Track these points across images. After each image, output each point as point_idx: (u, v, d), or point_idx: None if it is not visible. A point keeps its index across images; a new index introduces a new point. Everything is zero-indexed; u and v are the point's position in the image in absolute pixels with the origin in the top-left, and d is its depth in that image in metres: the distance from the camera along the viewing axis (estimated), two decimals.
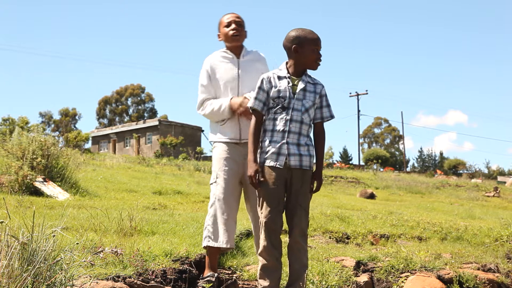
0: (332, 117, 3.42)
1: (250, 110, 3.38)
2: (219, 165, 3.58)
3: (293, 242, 3.29)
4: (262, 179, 3.27)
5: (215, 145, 3.68)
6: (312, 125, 3.41)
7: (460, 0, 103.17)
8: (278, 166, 3.26)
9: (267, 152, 3.30)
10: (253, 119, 3.37)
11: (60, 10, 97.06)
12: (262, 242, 3.28)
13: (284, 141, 3.28)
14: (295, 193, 3.28)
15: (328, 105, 3.43)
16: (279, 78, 3.36)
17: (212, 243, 3.49)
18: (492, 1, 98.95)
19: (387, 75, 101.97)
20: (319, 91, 3.39)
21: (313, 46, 3.31)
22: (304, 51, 3.31)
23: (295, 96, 3.32)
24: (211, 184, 3.61)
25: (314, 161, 3.39)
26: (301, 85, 3.33)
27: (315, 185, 3.35)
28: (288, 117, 3.29)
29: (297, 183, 3.27)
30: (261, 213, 3.28)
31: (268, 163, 3.28)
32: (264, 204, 3.27)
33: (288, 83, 3.34)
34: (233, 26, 3.63)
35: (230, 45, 3.68)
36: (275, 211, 3.25)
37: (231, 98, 3.60)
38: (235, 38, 3.62)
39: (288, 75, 3.37)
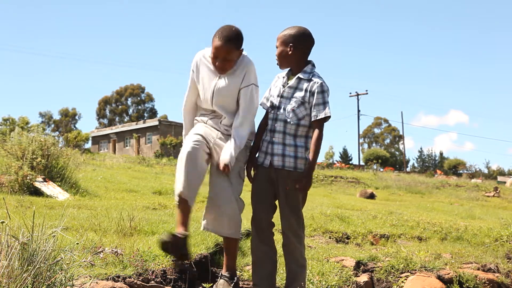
0: (325, 116, 3.19)
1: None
2: (189, 136, 3.40)
3: (287, 243, 3.32)
4: (253, 173, 3.38)
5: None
6: (307, 124, 3.27)
7: (460, 0, 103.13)
8: (264, 165, 3.32)
9: (259, 150, 3.39)
10: (263, 116, 3.48)
11: (60, 10, 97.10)
12: (252, 237, 3.38)
13: (270, 140, 3.31)
14: (281, 194, 3.29)
15: (323, 103, 3.20)
16: (283, 77, 3.41)
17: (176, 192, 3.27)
18: (492, 1, 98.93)
19: (387, 75, 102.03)
20: (310, 88, 3.22)
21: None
22: None
23: (282, 94, 3.31)
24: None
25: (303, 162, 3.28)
26: (290, 83, 3.31)
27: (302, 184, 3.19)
28: (274, 116, 3.31)
29: (283, 183, 3.27)
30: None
31: (257, 161, 3.39)
32: (252, 200, 3.37)
33: (283, 81, 3.36)
34: (218, 62, 3.31)
35: None
36: (261, 208, 3.32)
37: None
38: (218, 72, 3.39)
39: (286, 73, 3.38)
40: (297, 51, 3.28)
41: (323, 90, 3.22)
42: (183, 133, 3.64)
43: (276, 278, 3.44)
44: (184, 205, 3.27)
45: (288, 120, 3.25)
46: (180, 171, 3.25)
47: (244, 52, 3.40)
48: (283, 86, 3.33)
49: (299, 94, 3.25)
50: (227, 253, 3.47)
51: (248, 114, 3.40)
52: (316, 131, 3.23)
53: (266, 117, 3.43)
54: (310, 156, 3.23)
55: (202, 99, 3.50)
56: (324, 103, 3.22)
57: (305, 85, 3.26)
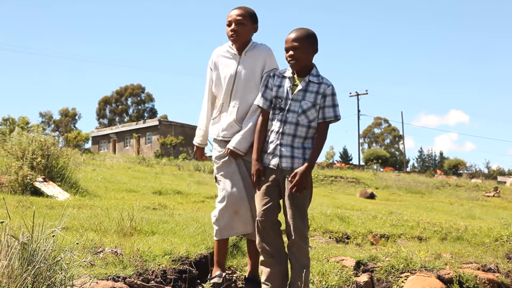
0: (336, 118, 3.30)
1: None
2: (217, 169, 3.62)
3: (291, 243, 3.31)
4: (263, 178, 3.33)
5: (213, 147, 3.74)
6: (316, 126, 3.31)
7: (460, 0, 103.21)
8: (272, 167, 3.31)
9: (264, 152, 3.36)
10: (260, 117, 3.42)
11: (60, 10, 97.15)
12: (256, 238, 3.37)
13: (278, 142, 3.30)
14: (289, 195, 3.28)
15: (333, 106, 3.30)
16: (283, 77, 3.39)
17: (220, 235, 3.55)
18: (492, 1, 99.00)
19: (387, 75, 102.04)
20: (323, 91, 3.29)
21: (285, 45, 3.33)
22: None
23: (293, 97, 3.31)
24: (216, 182, 3.66)
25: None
26: (300, 86, 3.31)
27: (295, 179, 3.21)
28: (283, 118, 3.30)
29: (290, 184, 3.26)
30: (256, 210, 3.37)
31: (263, 163, 3.36)
32: (257, 201, 3.36)
33: (289, 83, 3.34)
34: (232, 26, 3.48)
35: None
36: (266, 209, 3.30)
37: (199, 143, 3.87)
38: (233, 39, 3.52)
39: (291, 75, 3.36)
40: (312, 52, 3.34)
41: (333, 93, 3.32)
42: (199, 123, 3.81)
43: (287, 277, 3.40)
44: (225, 242, 3.60)
45: (300, 122, 3.28)
46: (225, 215, 3.50)
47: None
48: (290, 88, 3.33)
49: (310, 97, 3.29)
50: (250, 255, 3.66)
51: None
52: (321, 132, 3.30)
53: (265, 117, 3.40)
54: (311, 154, 3.27)
55: (222, 90, 3.59)
56: (334, 106, 3.31)
57: (315, 87, 3.30)
